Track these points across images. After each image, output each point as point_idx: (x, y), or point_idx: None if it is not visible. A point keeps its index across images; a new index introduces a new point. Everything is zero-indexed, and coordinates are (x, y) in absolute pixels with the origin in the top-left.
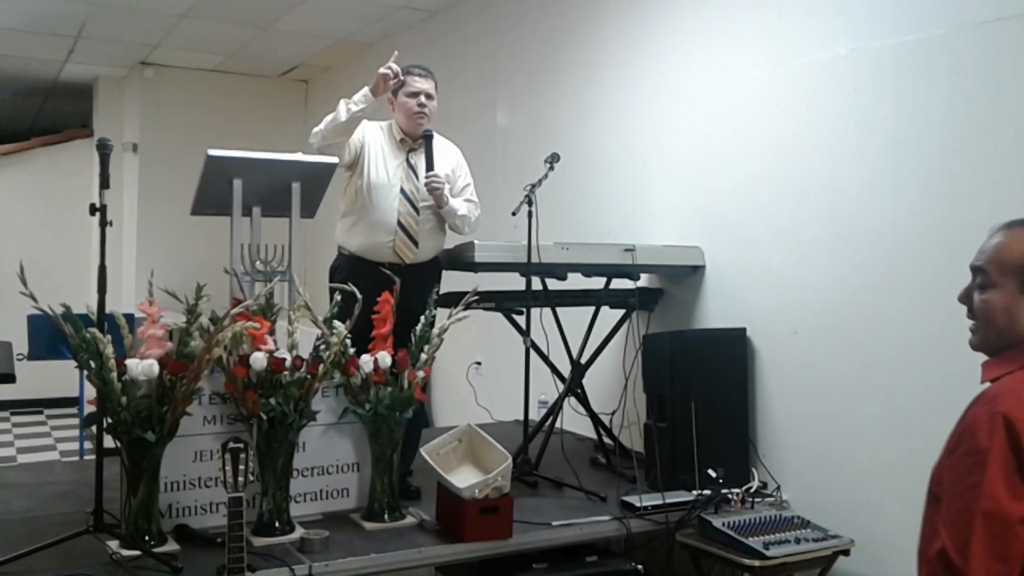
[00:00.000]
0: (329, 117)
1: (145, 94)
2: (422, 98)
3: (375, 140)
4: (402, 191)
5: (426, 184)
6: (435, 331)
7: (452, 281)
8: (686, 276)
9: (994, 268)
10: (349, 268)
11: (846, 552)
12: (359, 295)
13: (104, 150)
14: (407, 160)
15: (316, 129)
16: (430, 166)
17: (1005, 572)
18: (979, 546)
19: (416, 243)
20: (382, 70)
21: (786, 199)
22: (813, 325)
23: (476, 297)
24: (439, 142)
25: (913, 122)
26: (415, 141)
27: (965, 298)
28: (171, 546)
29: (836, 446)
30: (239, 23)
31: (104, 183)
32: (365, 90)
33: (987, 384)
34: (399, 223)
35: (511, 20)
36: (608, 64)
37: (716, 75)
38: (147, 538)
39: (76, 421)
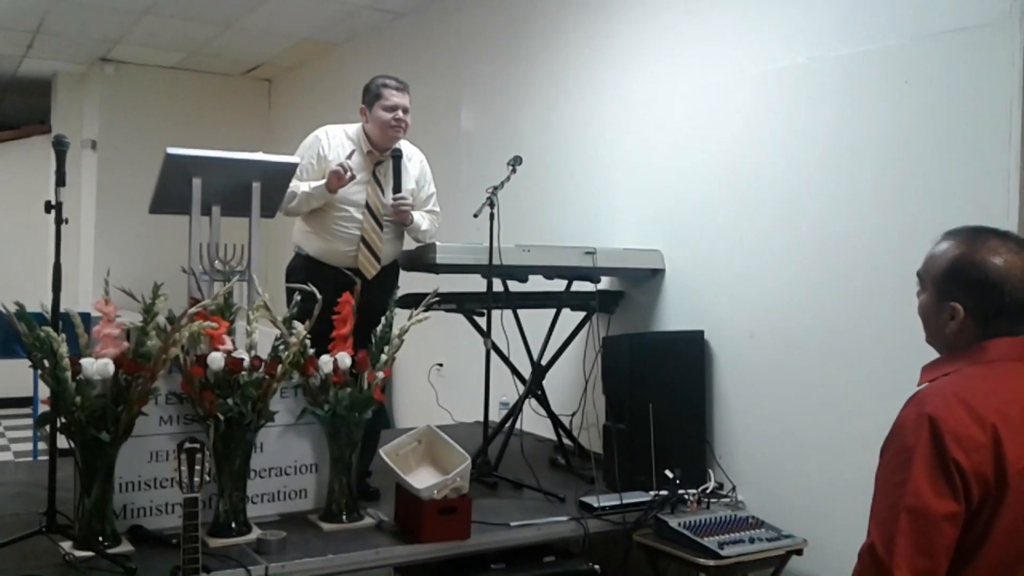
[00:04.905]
0: (293, 204)
1: (105, 91)
2: (399, 113)
3: (339, 149)
4: (367, 206)
5: (394, 206)
6: (395, 332)
7: (413, 282)
8: (646, 279)
9: (924, 275)
10: (307, 269)
11: (799, 552)
12: (319, 295)
13: (60, 147)
14: (374, 173)
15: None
16: (398, 187)
17: (929, 567)
18: (904, 541)
19: (379, 258)
20: (335, 167)
21: (745, 205)
22: (770, 329)
23: (437, 298)
24: (403, 148)
25: (868, 131)
26: (382, 153)
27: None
28: (125, 547)
29: (791, 448)
30: (202, 21)
31: (60, 180)
32: (321, 184)
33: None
34: (362, 238)
35: (476, 24)
36: (572, 70)
37: (678, 83)
38: (101, 539)
39: (30, 421)
